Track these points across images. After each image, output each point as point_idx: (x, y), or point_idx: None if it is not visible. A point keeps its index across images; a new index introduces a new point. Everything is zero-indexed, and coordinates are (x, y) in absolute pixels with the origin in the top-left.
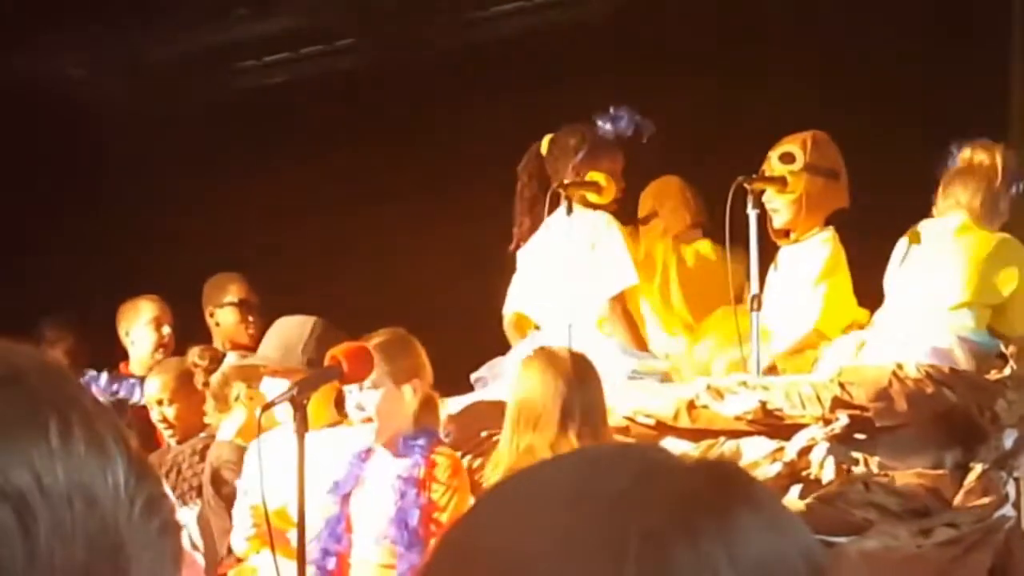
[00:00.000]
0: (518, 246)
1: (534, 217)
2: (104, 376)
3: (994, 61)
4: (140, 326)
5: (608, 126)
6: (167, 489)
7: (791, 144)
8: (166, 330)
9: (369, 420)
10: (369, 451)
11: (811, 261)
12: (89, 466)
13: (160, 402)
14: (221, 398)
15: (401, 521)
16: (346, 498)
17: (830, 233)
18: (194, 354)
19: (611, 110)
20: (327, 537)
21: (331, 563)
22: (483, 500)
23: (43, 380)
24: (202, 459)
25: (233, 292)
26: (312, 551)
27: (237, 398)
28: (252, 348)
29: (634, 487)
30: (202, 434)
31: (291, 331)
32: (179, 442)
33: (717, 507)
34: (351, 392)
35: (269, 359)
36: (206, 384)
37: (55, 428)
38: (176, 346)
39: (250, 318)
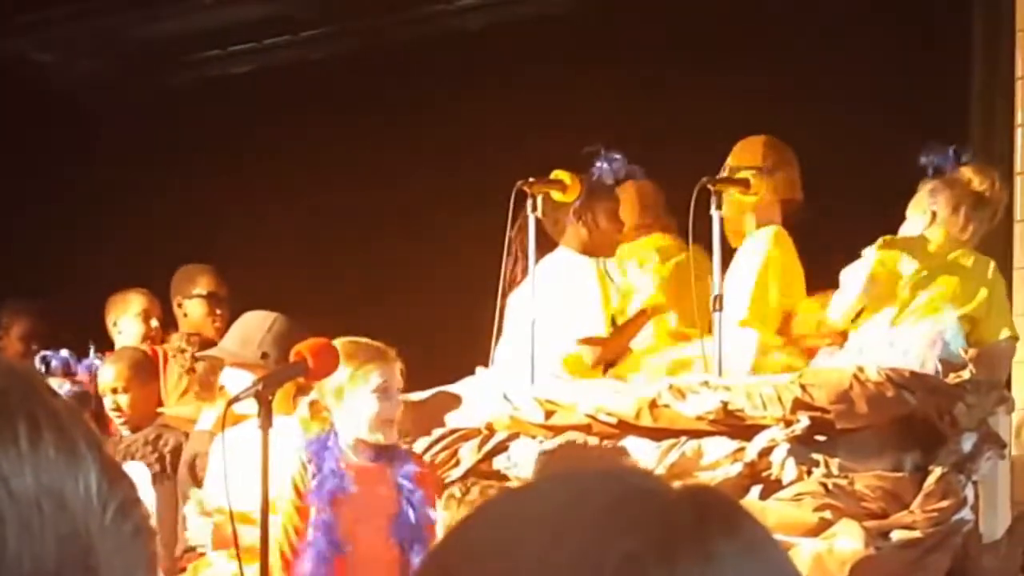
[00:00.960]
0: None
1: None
2: (63, 354)
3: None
4: (128, 318)
5: (605, 166)
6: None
7: (748, 151)
8: (154, 323)
9: None
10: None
11: (746, 258)
12: (59, 470)
13: (115, 390)
14: (207, 386)
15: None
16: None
17: (772, 230)
18: (180, 338)
19: (602, 153)
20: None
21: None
22: (469, 521)
23: (12, 384)
24: (155, 449)
25: (203, 284)
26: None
27: (222, 388)
28: (217, 342)
29: (614, 511)
30: (157, 422)
31: (250, 325)
32: (132, 431)
33: (696, 533)
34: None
35: (226, 351)
36: (191, 370)
37: (24, 432)
38: (164, 340)
39: (218, 311)
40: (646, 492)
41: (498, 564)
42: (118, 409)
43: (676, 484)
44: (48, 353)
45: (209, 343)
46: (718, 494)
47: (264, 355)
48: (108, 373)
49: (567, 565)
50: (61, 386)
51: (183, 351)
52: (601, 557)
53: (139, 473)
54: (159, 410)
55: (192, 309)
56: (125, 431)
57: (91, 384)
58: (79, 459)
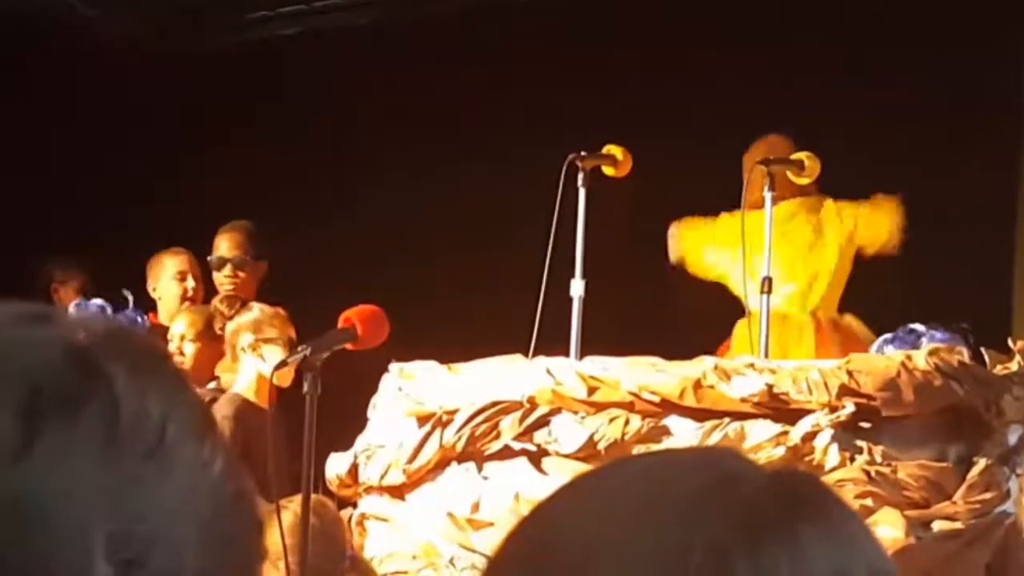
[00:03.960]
0: None
1: None
2: (96, 302)
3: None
4: (165, 280)
5: None
6: None
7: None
8: (190, 283)
9: None
10: None
11: None
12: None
13: (182, 337)
14: (231, 346)
15: None
16: None
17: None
18: (218, 300)
19: None
20: None
21: None
22: (561, 493)
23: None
24: None
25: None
26: None
27: (244, 349)
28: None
29: (703, 497)
30: (210, 385)
31: None
32: None
33: (783, 522)
34: None
35: None
36: (222, 330)
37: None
38: (205, 299)
39: (240, 273)
40: (732, 478)
41: (585, 543)
42: (180, 354)
43: (765, 466)
44: (81, 302)
45: (244, 306)
46: (807, 478)
47: None
48: (181, 323)
49: (653, 554)
50: None
51: (221, 313)
52: (687, 546)
53: None
54: (217, 372)
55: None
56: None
57: None
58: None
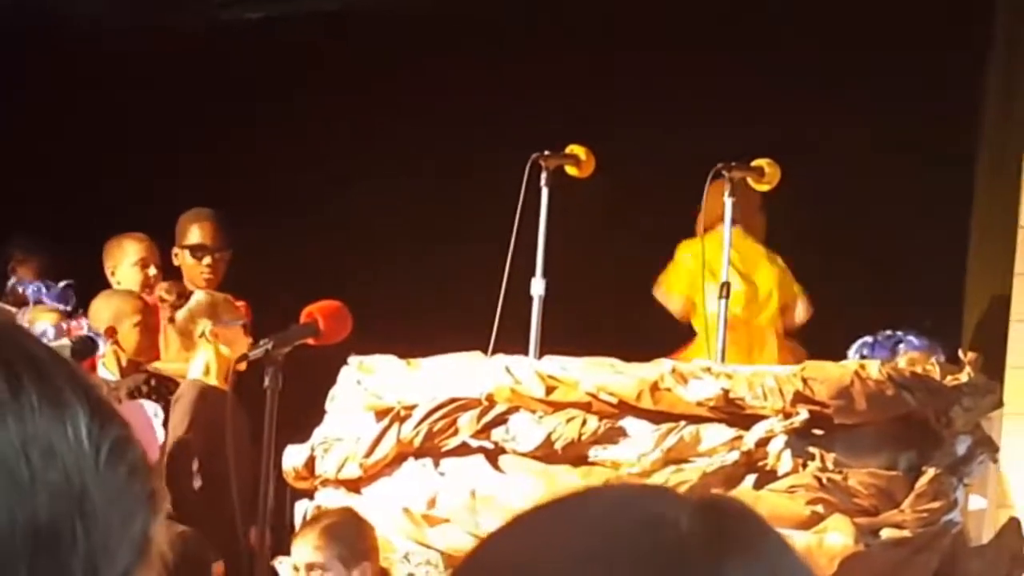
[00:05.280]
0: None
1: None
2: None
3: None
4: (126, 266)
5: None
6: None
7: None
8: (152, 271)
9: None
10: None
11: None
12: (44, 417)
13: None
14: (187, 334)
15: None
16: None
17: None
18: (161, 289)
19: None
20: None
21: None
22: (490, 544)
23: None
24: (131, 398)
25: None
26: None
27: (202, 335)
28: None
29: (628, 544)
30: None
31: None
32: (122, 374)
33: (710, 560)
34: (298, 573)
35: None
36: (171, 320)
37: (3, 384)
38: None
39: (206, 261)
40: (657, 519)
41: None
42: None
43: (693, 498)
44: (22, 281)
45: (187, 294)
46: (735, 510)
47: None
48: (115, 309)
49: None
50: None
51: (163, 300)
52: None
53: (154, 412)
54: (155, 364)
55: (183, 259)
56: (111, 370)
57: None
58: (65, 405)
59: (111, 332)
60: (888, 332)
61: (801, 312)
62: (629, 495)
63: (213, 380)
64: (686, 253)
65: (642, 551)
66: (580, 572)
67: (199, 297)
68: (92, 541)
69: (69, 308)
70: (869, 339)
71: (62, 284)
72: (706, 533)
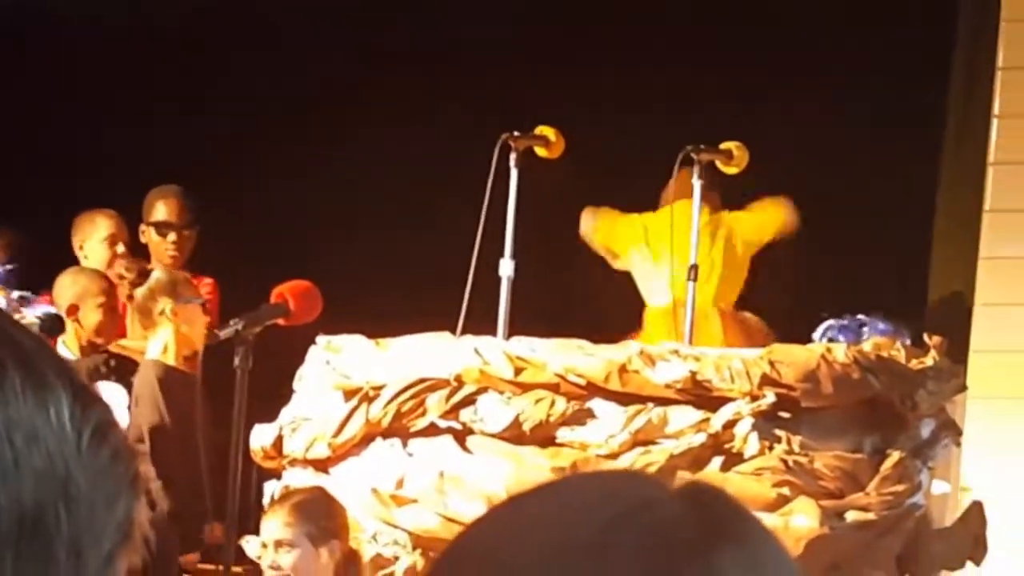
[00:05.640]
0: None
1: None
2: None
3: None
4: (95, 242)
5: None
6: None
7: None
8: (120, 248)
9: None
10: None
11: None
12: (28, 402)
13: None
14: (146, 313)
15: None
16: None
17: None
18: (120, 266)
19: None
20: None
21: None
22: (474, 531)
23: None
24: (91, 380)
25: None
26: None
27: (162, 313)
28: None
29: (618, 529)
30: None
31: None
32: (82, 354)
33: (700, 547)
34: (266, 550)
35: None
36: (130, 297)
37: None
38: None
39: (170, 238)
40: (645, 505)
41: None
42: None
43: (675, 486)
44: None
45: (148, 272)
46: (720, 497)
47: None
48: (78, 287)
49: None
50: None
51: (122, 278)
52: None
53: (116, 394)
54: (121, 343)
55: (149, 236)
56: (73, 350)
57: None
58: (48, 388)
59: (73, 311)
60: (853, 315)
61: (788, 221)
62: (613, 482)
63: (172, 360)
64: (634, 226)
65: (633, 539)
66: (570, 561)
67: (158, 275)
68: (76, 525)
69: (15, 295)
70: (834, 322)
71: (8, 267)
72: (694, 520)
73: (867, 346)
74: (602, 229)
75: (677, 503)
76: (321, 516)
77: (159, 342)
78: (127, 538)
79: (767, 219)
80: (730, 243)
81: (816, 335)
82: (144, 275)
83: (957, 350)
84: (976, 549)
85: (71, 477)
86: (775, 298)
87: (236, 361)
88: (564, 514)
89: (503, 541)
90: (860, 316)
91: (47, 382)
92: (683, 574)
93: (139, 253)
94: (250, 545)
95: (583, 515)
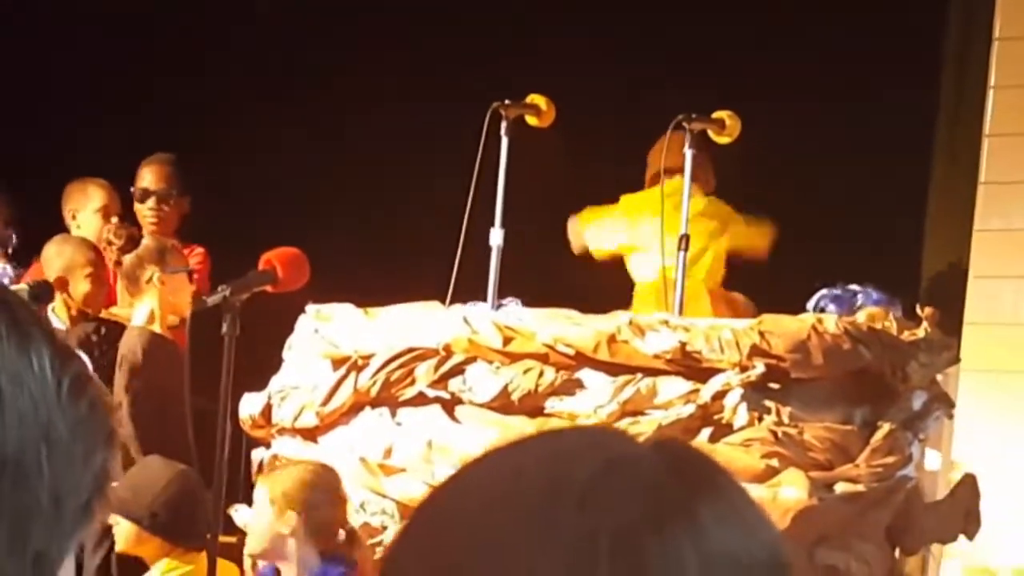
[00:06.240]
0: None
1: None
2: None
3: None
4: (88, 212)
5: None
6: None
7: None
8: (114, 220)
9: None
10: None
11: None
12: (12, 350)
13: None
14: (133, 280)
15: None
16: None
17: None
18: (109, 231)
19: None
20: None
21: None
22: (452, 484)
23: None
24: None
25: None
26: None
27: (149, 280)
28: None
29: (598, 482)
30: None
31: (148, 476)
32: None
33: (681, 500)
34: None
35: (116, 497)
36: (118, 263)
37: None
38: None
39: (149, 206)
40: (624, 459)
41: (485, 541)
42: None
43: (647, 441)
44: None
45: (137, 238)
46: (695, 453)
47: (153, 515)
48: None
49: (559, 541)
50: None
51: (111, 244)
52: (592, 532)
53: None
54: (111, 310)
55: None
56: (62, 319)
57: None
58: (31, 339)
59: (61, 283)
60: (847, 285)
61: (760, 242)
62: (592, 436)
63: (157, 327)
64: (626, 206)
65: (622, 488)
66: (555, 511)
67: (147, 243)
68: (56, 471)
69: None
70: (828, 291)
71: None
72: (675, 473)
73: (860, 317)
74: (592, 244)
75: (655, 456)
76: (293, 485)
77: (145, 308)
78: (102, 489)
79: (757, 239)
80: (722, 234)
81: (809, 304)
82: (133, 241)
83: (951, 322)
84: (969, 523)
85: (52, 423)
86: (769, 270)
87: (224, 328)
88: (545, 464)
89: (490, 488)
90: (853, 286)
91: (29, 332)
92: (667, 524)
93: (133, 224)
94: (239, 514)
95: (566, 466)
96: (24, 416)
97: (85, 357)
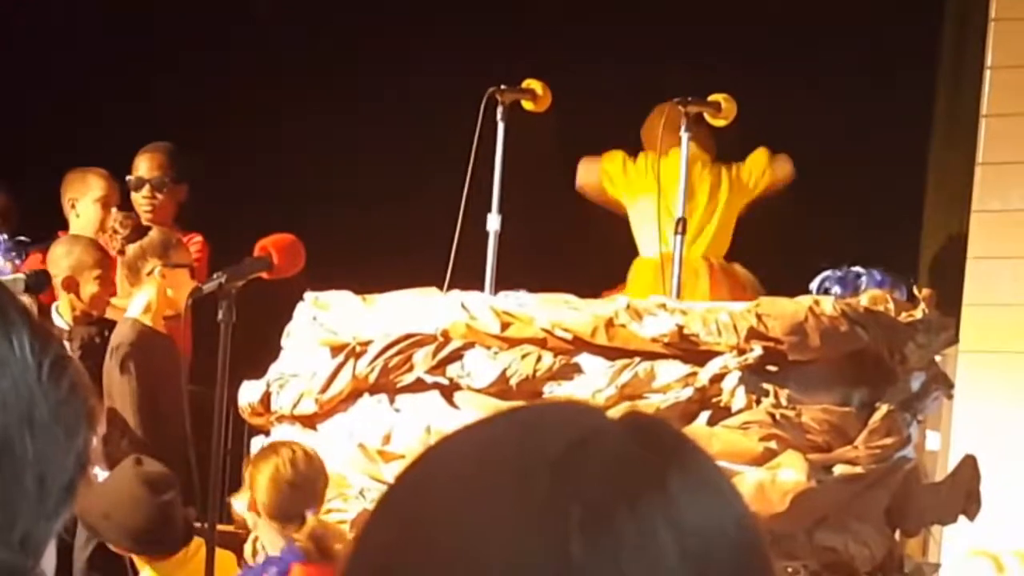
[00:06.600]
0: None
1: None
2: None
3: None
4: (88, 201)
5: None
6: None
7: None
8: (114, 211)
9: None
10: None
11: None
12: None
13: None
14: (134, 270)
15: None
16: None
17: None
18: (116, 219)
19: None
20: None
21: None
22: (424, 461)
23: None
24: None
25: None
26: None
27: (150, 273)
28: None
29: (570, 455)
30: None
31: (119, 500)
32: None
33: (653, 472)
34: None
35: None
36: (121, 252)
37: None
38: None
39: (143, 195)
40: (595, 432)
41: (456, 517)
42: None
43: (616, 414)
44: None
45: (143, 229)
46: (665, 426)
47: (126, 540)
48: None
49: (530, 515)
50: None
51: (116, 233)
52: (563, 504)
53: None
54: (112, 300)
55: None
56: (65, 319)
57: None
58: (10, 322)
59: (69, 283)
60: (852, 267)
61: (781, 172)
62: (562, 410)
63: (151, 320)
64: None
65: (597, 462)
66: (526, 484)
67: (152, 235)
68: (40, 451)
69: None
70: (831, 273)
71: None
72: (648, 446)
73: (863, 299)
74: (614, 176)
75: (624, 429)
76: (260, 464)
77: (142, 300)
78: (83, 469)
79: (761, 165)
80: (727, 196)
81: (813, 286)
82: (139, 232)
83: (950, 303)
84: (969, 504)
85: (35, 403)
86: (768, 252)
87: (220, 315)
88: (520, 440)
89: (462, 462)
90: (857, 268)
91: (9, 315)
92: (641, 498)
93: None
94: (238, 503)
95: (540, 442)
96: (7, 398)
97: (86, 359)
